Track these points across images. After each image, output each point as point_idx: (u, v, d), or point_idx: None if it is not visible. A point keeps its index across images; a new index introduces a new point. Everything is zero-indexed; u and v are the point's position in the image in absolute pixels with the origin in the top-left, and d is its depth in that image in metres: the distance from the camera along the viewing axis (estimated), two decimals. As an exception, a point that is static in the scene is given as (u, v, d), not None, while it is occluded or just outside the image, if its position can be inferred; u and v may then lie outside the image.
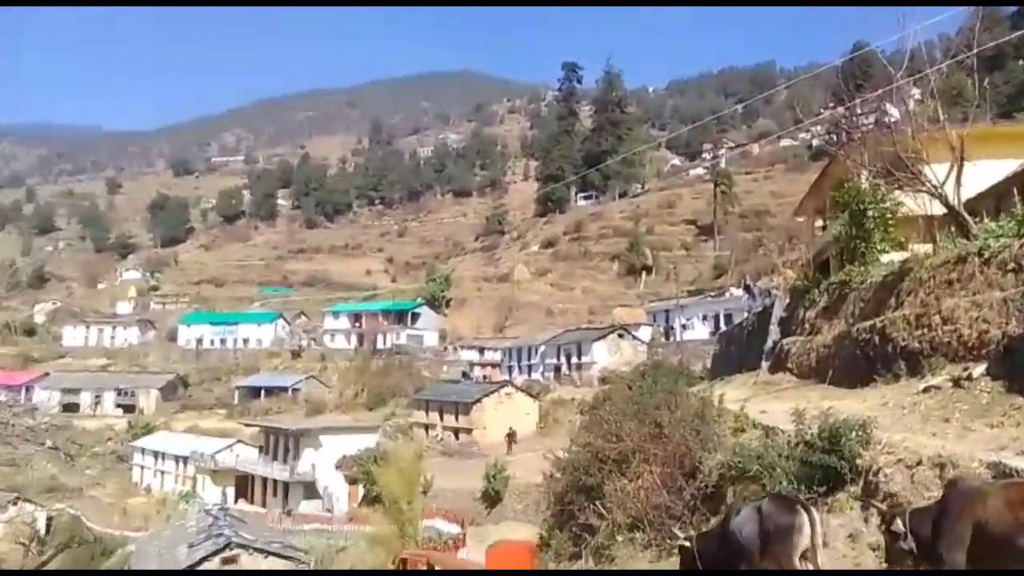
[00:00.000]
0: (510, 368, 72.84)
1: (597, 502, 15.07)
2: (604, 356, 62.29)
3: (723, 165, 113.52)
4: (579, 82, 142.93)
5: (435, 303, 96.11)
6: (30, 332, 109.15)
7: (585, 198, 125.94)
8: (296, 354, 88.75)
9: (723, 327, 50.34)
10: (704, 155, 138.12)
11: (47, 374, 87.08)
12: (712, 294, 67.48)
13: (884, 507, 6.01)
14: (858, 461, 8.59)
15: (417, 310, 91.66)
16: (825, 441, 8.88)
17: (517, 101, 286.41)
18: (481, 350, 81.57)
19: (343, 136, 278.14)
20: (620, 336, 64.42)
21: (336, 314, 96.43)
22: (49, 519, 53.75)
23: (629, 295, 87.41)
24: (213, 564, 29.29)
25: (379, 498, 32.89)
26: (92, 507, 57.64)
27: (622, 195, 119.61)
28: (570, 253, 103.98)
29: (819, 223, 26.86)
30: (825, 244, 22.80)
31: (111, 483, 63.02)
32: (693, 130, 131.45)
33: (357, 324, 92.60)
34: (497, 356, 77.53)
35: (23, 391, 79.30)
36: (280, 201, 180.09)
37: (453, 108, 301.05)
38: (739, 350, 28.72)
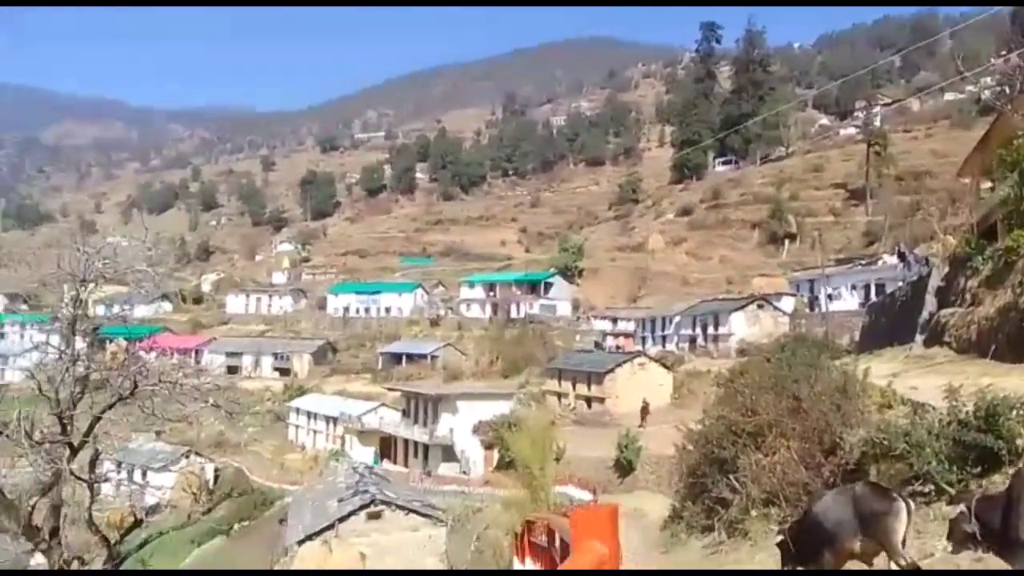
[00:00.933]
0: (644, 339, 71.98)
1: (730, 476, 14.73)
2: (742, 327, 60.23)
3: (878, 123, 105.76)
4: (718, 42, 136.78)
5: (568, 273, 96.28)
6: (198, 300, 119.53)
7: (724, 163, 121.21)
8: (434, 322, 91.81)
9: (874, 298, 47.28)
10: (856, 113, 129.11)
11: (213, 339, 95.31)
12: (863, 262, 63.36)
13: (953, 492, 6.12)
14: (1018, 442, 7.89)
15: (550, 280, 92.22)
16: (981, 420, 8.21)
17: (652, 65, 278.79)
18: (614, 320, 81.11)
19: (477, 109, 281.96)
20: (760, 307, 62.02)
21: (472, 284, 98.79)
22: (216, 471, 59.14)
23: (770, 264, 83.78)
24: (359, 518, 31.22)
25: (513, 463, 33.70)
26: (254, 461, 62.82)
27: (764, 160, 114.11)
28: (707, 221, 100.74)
29: (986, 184, 24.50)
30: (992, 207, 20.77)
31: (270, 440, 68.25)
32: (844, 86, 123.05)
33: (492, 294, 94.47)
34: (630, 326, 76.81)
35: (193, 354, 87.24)
36: (419, 175, 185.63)
37: (586, 75, 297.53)
38: (890, 322, 26.94)
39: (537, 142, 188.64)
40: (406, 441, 57.55)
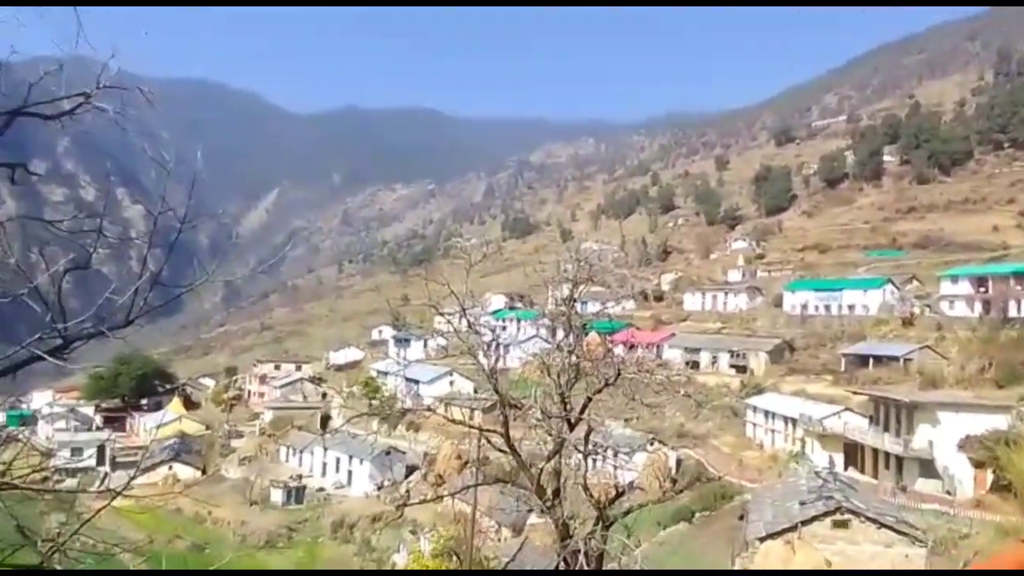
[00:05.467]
0: None
1: None
2: None
3: None
4: None
5: (1093, 263, 77.72)
6: (659, 298, 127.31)
7: None
8: (907, 322, 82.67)
9: None
10: None
11: (673, 335, 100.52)
12: None
13: None
14: None
15: (1065, 272, 75.63)
16: None
17: None
18: None
19: (960, 76, 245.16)
20: None
21: (955, 278, 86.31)
22: (679, 460, 62.54)
23: None
24: (824, 524, 30.13)
25: (1011, 486, 28.79)
26: (713, 454, 64.71)
27: None
28: None
29: None
30: None
31: (727, 435, 69.46)
32: None
33: (982, 289, 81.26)
34: None
35: (655, 349, 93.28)
36: (886, 158, 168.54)
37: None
38: None
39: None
40: (875, 450, 53.29)
